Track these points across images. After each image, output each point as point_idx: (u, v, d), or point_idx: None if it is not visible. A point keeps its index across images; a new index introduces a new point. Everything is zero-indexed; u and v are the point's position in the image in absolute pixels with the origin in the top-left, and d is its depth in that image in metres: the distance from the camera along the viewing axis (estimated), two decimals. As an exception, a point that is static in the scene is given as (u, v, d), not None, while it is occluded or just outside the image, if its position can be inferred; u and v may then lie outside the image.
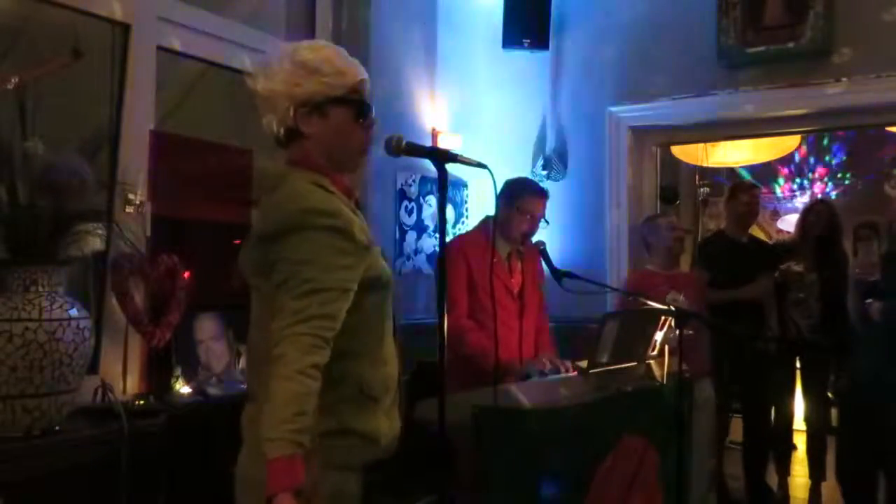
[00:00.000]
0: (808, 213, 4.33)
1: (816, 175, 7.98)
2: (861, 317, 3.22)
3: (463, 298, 2.82)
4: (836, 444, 3.59)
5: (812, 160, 7.98)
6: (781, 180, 8.15)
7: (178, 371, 2.61)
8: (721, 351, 3.80)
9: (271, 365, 1.38)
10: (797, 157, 7.93)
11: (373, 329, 1.58)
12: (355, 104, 1.60)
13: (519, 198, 2.89)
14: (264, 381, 1.54)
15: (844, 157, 7.81)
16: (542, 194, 2.96)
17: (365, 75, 1.63)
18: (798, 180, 8.08)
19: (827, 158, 7.92)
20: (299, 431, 1.34)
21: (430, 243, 3.98)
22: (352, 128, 1.60)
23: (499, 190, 2.93)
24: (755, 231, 4.55)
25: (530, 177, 3.96)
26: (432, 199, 3.98)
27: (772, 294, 4.04)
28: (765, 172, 7.67)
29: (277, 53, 1.59)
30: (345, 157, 1.62)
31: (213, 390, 2.61)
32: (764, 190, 7.63)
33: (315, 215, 1.46)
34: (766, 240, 5.59)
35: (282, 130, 1.58)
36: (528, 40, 4.03)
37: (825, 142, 7.82)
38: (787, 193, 8.10)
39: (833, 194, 7.64)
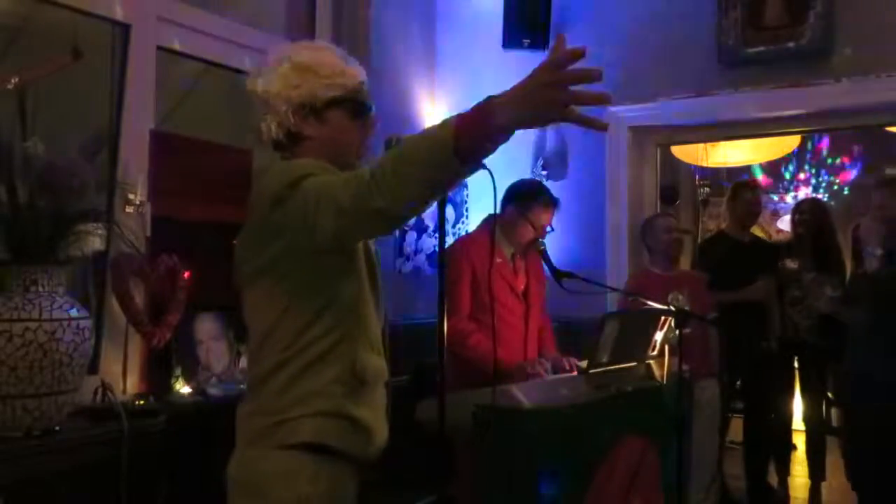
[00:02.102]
0: (795, 213, 4.35)
1: (801, 178, 8.00)
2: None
3: (466, 301, 2.82)
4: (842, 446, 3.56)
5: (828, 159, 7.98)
6: (759, 172, 8.11)
7: (178, 371, 2.61)
8: (721, 351, 3.81)
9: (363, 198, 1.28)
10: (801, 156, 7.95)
11: (365, 312, 1.58)
12: (352, 104, 1.60)
13: (530, 208, 2.85)
14: (255, 380, 1.55)
15: (839, 159, 7.82)
16: (553, 205, 2.92)
17: (364, 77, 1.63)
18: (790, 174, 8.08)
19: (824, 154, 7.92)
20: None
21: (430, 243, 3.97)
22: (350, 128, 1.61)
23: (508, 190, 2.96)
24: (755, 231, 4.55)
25: (531, 177, 3.97)
26: (432, 199, 3.98)
27: (774, 295, 4.04)
28: (776, 176, 7.69)
29: (276, 54, 1.59)
30: (344, 160, 1.61)
31: (213, 390, 2.61)
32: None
33: (318, 167, 1.46)
34: (767, 239, 5.59)
35: (281, 134, 1.58)
36: (528, 40, 4.02)
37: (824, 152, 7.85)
38: (781, 193, 8.10)
39: (825, 197, 7.64)
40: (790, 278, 4.04)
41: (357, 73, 1.62)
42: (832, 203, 7.16)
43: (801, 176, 8.03)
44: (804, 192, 7.76)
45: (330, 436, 1.51)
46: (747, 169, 7.30)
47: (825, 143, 7.77)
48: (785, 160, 7.85)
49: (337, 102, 1.58)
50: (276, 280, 1.50)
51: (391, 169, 1.25)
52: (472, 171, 1.25)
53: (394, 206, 1.26)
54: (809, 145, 7.83)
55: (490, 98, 1.20)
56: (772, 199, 8.02)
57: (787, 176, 8.10)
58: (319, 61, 1.57)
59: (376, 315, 1.64)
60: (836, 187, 7.84)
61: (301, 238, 1.42)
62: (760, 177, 8.05)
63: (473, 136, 1.20)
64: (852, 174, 7.81)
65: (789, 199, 7.87)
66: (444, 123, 1.22)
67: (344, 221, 1.33)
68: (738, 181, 4.50)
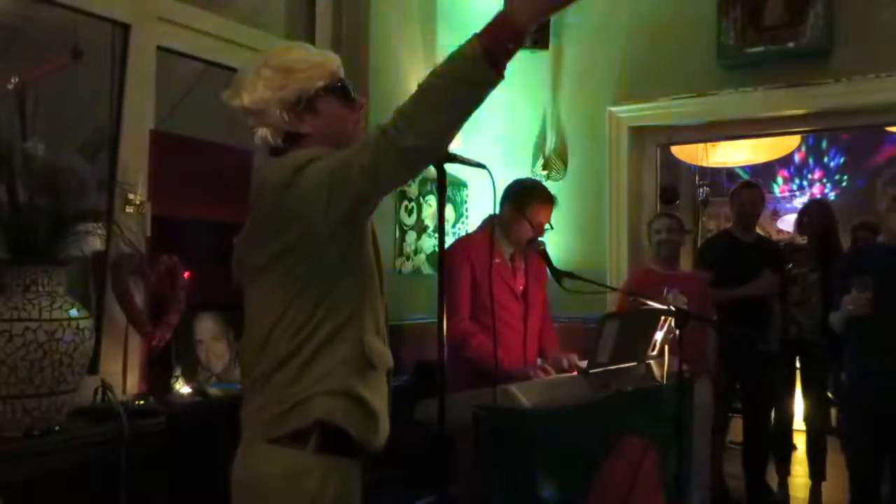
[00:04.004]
0: (802, 215, 4.37)
1: (814, 177, 8.01)
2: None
3: (466, 301, 2.82)
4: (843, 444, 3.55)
5: (811, 162, 8.01)
6: (780, 180, 8.16)
7: (178, 371, 2.61)
8: (721, 351, 3.81)
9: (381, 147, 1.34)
10: (796, 159, 7.97)
11: (372, 295, 1.59)
12: (340, 89, 1.62)
13: (527, 206, 2.85)
14: (257, 378, 1.54)
15: (842, 160, 7.83)
16: (551, 203, 2.92)
17: (339, 60, 1.65)
18: (797, 181, 8.10)
19: (825, 160, 7.94)
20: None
21: (430, 243, 3.98)
22: (344, 113, 1.62)
23: (506, 190, 2.96)
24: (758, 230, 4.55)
25: (531, 177, 3.97)
26: (432, 199, 3.98)
27: (777, 291, 4.04)
28: (764, 173, 7.69)
29: (249, 67, 1.60)
30: (345, 146, 1.61)
31: (213, 390, 2.61)
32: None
33: (323, 153, 1.49)
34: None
35: (278, 139, 1.58)
36: (528, 40, 4.03)
37: (823, 144, 7.87)
38: (787, 194, 8.12)
39: (831, 195, 7.66)
40: (792, 255, 4.05)
41: (332, 58, 1.64)
42: (842, 198, 7.17)
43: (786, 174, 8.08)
44: (816, 190, 7.79)
45: (340, 415, 1.50)
46: (747, 169, 7.31)
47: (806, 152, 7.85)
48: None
49: (327, 90, 1.59)
50: (286, 269, 1.50)
51: (414, 106, 1.31)
52: (497, 80, 1.31)
53: (426, 138, 1.31)
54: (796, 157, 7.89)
55: (504, 6, 1.28)
56: (774, 197, 8.04)
57: (794, 186, 8.12)
58: (296, 58, 1.59)
59: (380, 301, 1.64)
60: (844, 184, 7.85)
61: (315, 217, 1.42)
62: (777, 189, 8.09)
63: (499, 37, 1.28)
64: (825, 188, 7.86)
65: (798, 202, 7.89)
66: (465, 42, 1.29)
67: (367, 179, 1.37)
68: (741, 181, 4.52)
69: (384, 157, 1.33)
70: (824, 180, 7.97)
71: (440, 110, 1.30)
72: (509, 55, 1.30)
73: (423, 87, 1.32)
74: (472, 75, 1.28)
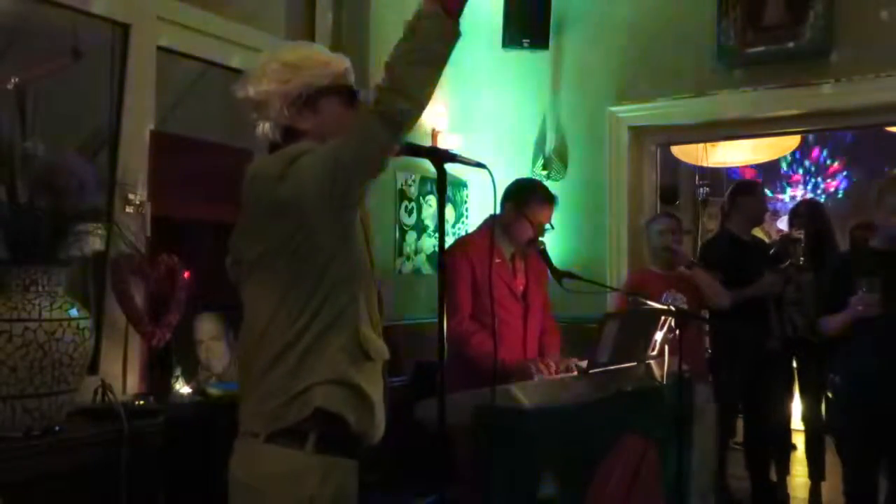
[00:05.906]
0: (792, 217, 4.37)
1: (794, 180, 8.04)
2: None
3: (466, 301, 2.82)
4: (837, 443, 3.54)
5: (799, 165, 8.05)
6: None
7: (178, 371, 2.61)
8: (721, 351, 3.80)
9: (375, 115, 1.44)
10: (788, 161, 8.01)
11: (364, 283, 1.60)
12: (344, 91, 1.64)
13: (527, 205, 2.86)
14: (257, 371, 1.54)
15: (836, 161, 7.86)
16: (551, 202, 2.92)
17: (348, 63, 1.68)
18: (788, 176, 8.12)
19: (822, 152, 7.96)
20: None
21: (430, 243, 3.98)
22: (344, 116, 1.63)
23: (506, 190, 2.96)
24: (755, 231, 4.55)
25: (531, 177, 3.97)
26: (432, 199, 3.98)
27: (777, 291, 4.03)
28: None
29: (259, 61, 1.63)
30: None
31: (213, 390, 2.61)
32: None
33: (316, 146, 1.52)
34: (766, 240, 5.58)
35: (277, 133, 1.59)
36: (528, 40, 4.03)
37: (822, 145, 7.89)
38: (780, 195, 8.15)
39: (822, 198, 7.68)
40: (787, 247, 4.04)
41: (341, 61, 1.67)
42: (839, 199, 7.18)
43: (796, 177, 8.08)
44: (800, 192, 7.78)
45: (338, 404, 1.51)
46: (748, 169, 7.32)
47: (816, 152, 7.84)
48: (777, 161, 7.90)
49: (329, 90, 1.61)
50: (281, 261, 1.51)
51: (392, 75, 1.43)
52: (457, 33, 1.47)
53: (412, 98, 1.43)
54: (799, 154, 7.89)
55: None
56: (770, 196, 8.05)
57: (784, 167, 8.13)
58: (304, 56, 1.62)
59: (373, 294, 1.65)
60: (832, 189, 7.87)
61: (313, 203, 1.44)
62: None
63: None
64: (841, 184, 7.85)
65: (787, 198, 7.90)
66: (420, 7, 1.43)
67: (362, 157, 1.43)
68: (746, 180, 4.50)
69: (375, 129, 1.41)
70: (816, 181, 7.99)
71: (418, 68, 1.42)
72: (462, 5, 1.45)
73: (394, 58, 1.44)
74: (437, 30, 1.41)
